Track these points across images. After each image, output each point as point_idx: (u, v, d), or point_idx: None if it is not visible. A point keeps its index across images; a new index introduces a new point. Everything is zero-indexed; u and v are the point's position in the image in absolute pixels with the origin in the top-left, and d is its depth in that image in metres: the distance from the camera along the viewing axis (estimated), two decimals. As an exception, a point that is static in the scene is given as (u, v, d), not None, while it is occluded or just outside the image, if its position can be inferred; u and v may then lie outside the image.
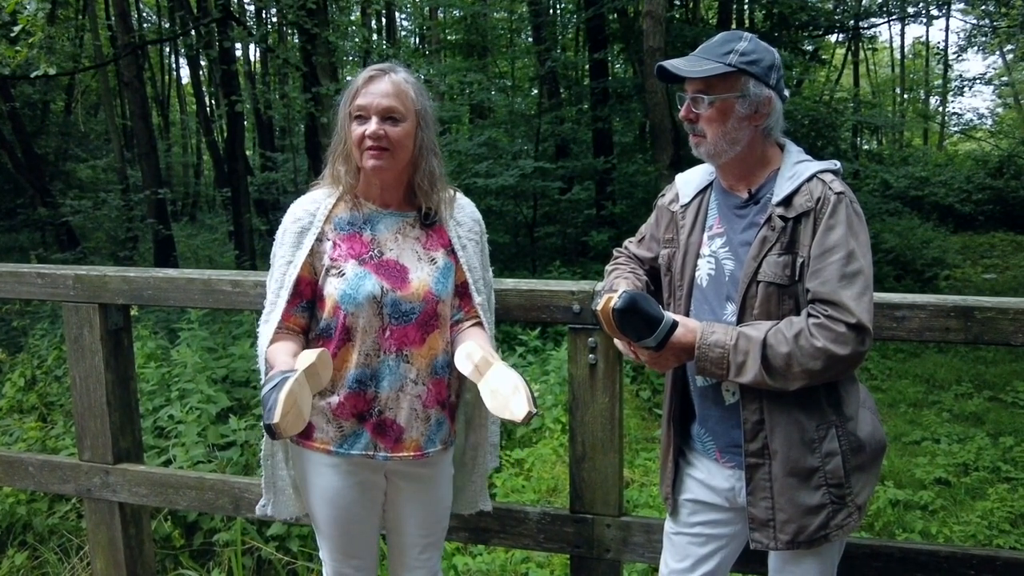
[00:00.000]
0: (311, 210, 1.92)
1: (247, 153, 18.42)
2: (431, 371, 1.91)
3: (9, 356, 5.90)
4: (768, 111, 1.73)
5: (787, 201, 1.69)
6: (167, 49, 23.23)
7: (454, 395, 2.02)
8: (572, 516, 2.22)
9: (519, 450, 4.75)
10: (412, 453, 1.92)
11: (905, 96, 27.26)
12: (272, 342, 1.87)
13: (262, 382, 1.76)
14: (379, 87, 1.84)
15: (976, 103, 54.06)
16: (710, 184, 1.87)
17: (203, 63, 19.81)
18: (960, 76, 23.18)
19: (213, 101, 21.59)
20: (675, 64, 1.74)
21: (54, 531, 3.76)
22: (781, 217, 1.68)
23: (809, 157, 1.78)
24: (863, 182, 16.54)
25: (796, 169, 1.72)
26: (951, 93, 24.01)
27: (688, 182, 1.91)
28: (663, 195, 1.98)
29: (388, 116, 1.83)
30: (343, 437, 1.90)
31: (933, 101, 26.33)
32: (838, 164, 1.75)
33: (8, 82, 11.22)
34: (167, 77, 26.31)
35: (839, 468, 1.70)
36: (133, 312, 5.49)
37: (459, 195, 2.05)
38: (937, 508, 4.78)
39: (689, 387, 1.88)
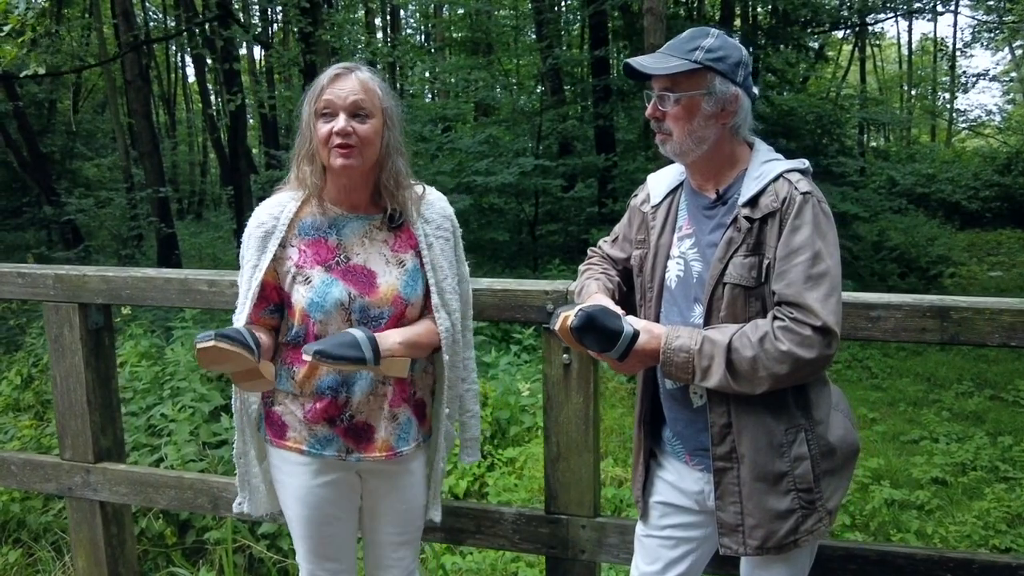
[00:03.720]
0: (275, 214, 1.90)
1: (253, 151, 18.46)
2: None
3: (6, 354, 5.94)
4: (735, 109, 1.71)
5: (753, 201, 1.67)
6: (173, 47, 23.30)
7: (420, 391, 2.00)
8: (547, 517, 2.22)
9: (512, 448, 4.75)
10: (384, 454, 1.92)
11: (912, 93, 27.09)
12: None
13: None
14: (346, 84, 1.82)
15: (984, 99, 53.74)
16: (681, 184, 1.86)
17: (209, 61, 19.87)
18: (964, 72, 23.06)
19: (219, 99, 21.65)
20: (641, 61, 1.72)
21: (48, 529, 3.78)
22: (747, 218, 1.66)
23: (779, 156, 1.76)
24: (869, 179, 16.44)
25: (763, 169, 1.70)
26: (958, 89, 23.86)
27: (659, 182, 1.89)
28: (636, 195, 1.96)
29: (356, 113, 1.81)
30: (315, 439, 1.91)
31: (943, 97, 26.16)
32: (806, 163, 1.73)
33: (13, 81, 11.26)
34: (173, 75, 26.38)
35: (808, 473, 1.68)
36: (125, 311, 5.53)
37: (429, 191, 2.01)
38: (933, 508, 4.74)
39: (660, 389, 1.86)
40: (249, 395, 1.98)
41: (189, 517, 3.68)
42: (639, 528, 1.94)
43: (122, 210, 13.27)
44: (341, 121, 1.79)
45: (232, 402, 1.99)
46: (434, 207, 2.00)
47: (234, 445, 2.02)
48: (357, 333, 1.76)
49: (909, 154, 20.76)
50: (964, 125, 24.66)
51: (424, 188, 2.00)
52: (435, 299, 1.94)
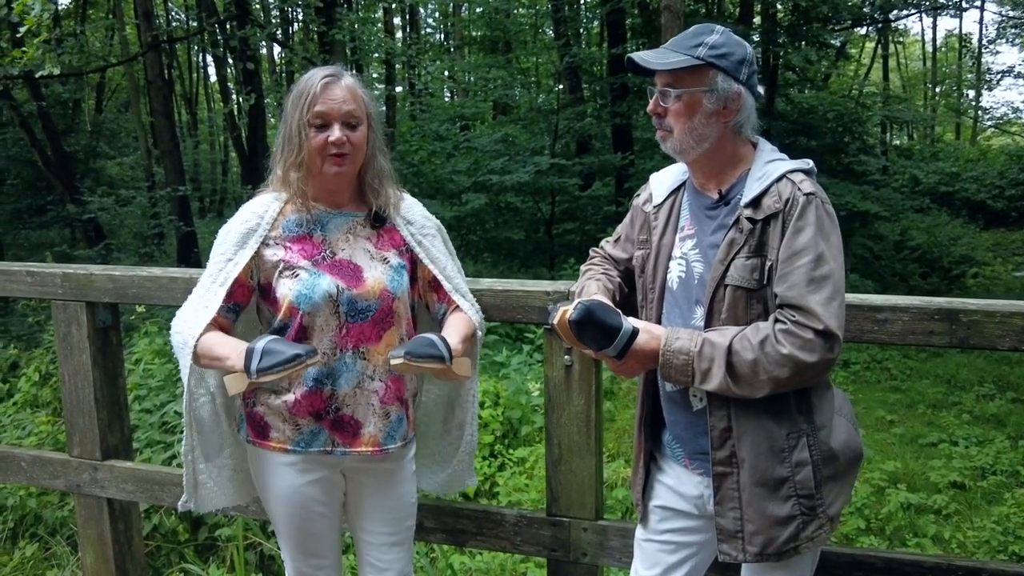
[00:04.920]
0: (259, 212, 1.92)
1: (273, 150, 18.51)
2: (388, 368, 1.90)
3: (25, 351, 6.02)
4: (737, 107, 1.67)
5: (756, 202, 1.64)
6: (195, 47, 23.51)
7: (411, 392, 2.02)
8: (548, 519, 2.20)
9: (523, 448, 4.74)
10: (370, 449, 1.93)
11: (937, 90, 26.70)
12: (203, 333, 1.83)
13: (263, 344, 1.72)
14: (336, 93, 1.84)
15: (1011, 96, 52.83)
16: (684, 184, 1.83)
17: (230, 61, 20.02)
18: (989, 69, 22.71)
19: (243, 99, 21.79)
20: (643, 56, 1.70)
21: (63, 524, 3.82)
22: (749, 219, 1.63)
23: (783, 156, 1.73)
24: (892, 178, 16.25)
25: (766, 169, 1.67)
26: (984, 86, 23.49)
27: (661, 182, 1.87)
28: (638, 195, 1.94)
29: (348, 122, 1.84)
30: (300, 435, 1.91)
31: (968, 94, 25.76)
32: (811, 163, 1.70)
33: (38, 81, 11.42)
34: (195, 75, 26.61)
35: (809, 478, 1.65)
36: (140, 308, 5.57)
37: (406, 195, 2.05)
38: (951, 513, 4.67)
39: (660, 391, 1.84)
40: (196, 390, 1.95)
41: (201, 514, 3.70)
42: (639, 532, 1.92)
43: (143, 208, 13.42)
44: (337, 131, 1.83)
45: (184, 397, 1.95)
46: (414, 210, 2.05)
47: (183, 442, 1.99)
48: (430, 335, 1.80)
49: (933, 152, 20.50)
50: (990, 123, 24.29)
51: (403, 193, 2.04)
52: (447, 285, 1.99)
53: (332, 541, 2.03)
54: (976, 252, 12.96)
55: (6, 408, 5.11)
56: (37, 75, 5.85)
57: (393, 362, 1.75)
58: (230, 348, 1.78)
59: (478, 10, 16.98)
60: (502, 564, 3.65)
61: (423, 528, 2.31)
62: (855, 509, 4.47)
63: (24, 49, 5.51)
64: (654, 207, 1.84)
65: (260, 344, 1.71)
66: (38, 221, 15.89)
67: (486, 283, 2.19)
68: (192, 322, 1.86)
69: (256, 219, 1.91)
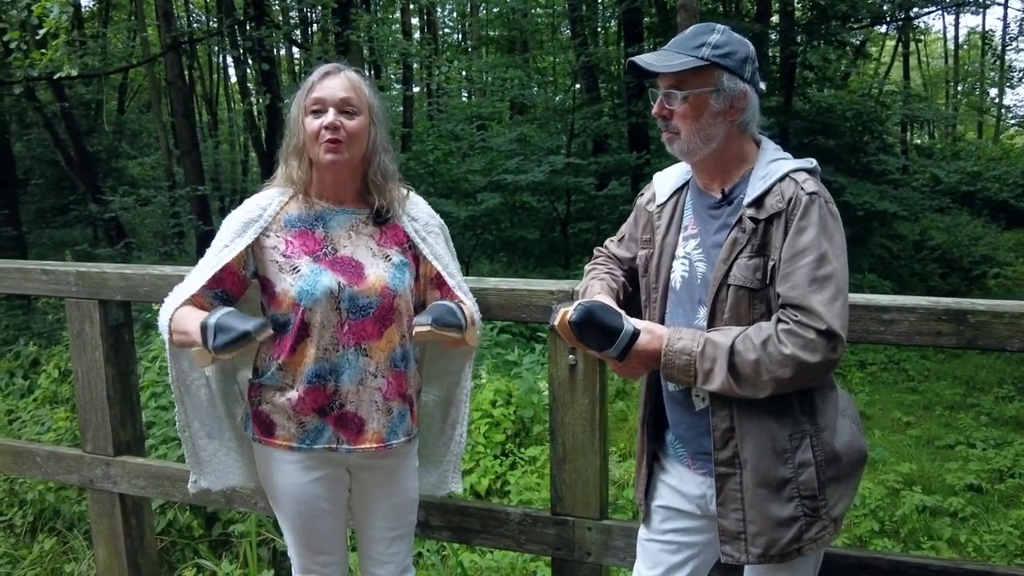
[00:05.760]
0: (263, 204, 1.94)
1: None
2: (390, 364, 1.93)
3: (45, 348, 6.11)
4: (743, 106, 1.67)
5: (759, 202, 1.63)
6: (215, 48, 23.70)
7: (414, 389, 2.04)
8: (553, 518, 2.21)
9: (534, 447, 4.74)
10: (374, 445, 1.94)
11: (959, 88, 26.36)
12: (180, 307, 1.87)
13: (215, 319, 1.75)
14: (334, 82, 1.87)
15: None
16: (687, 183, 1.83)
17: (249, 62, 20.17)
18: (1012, 67, 22.41)
19: (259, 99, 21.92)
20: (646, 59, 1.69)
21: (81, 518, 3.88)
22: (752, 219, 1.63)
23: (787, 155, 1.72)
24: (912, 177, 16.07)
25: (769, 168, 1.66)
26: (1007, 84, 23.18)
27: (665, 181, 1.86)
28: (642, 194, 1.94)
29: (344, 109, 1.85)
30: (305, 433, 1.93)
31: (992, 92, 25.42)
32: (814, 162, 1.69)
33: (61, 83, 11.57)
34: (216, 76, 26.82)
35: (812, 480, 1.64)
36: (156, 307, 5.64)
37: (412, 194, 2.06)
38: (968, 515, 4.61)
39: (663, 391, 1.83)
40: (191, 372, 1.98)
41: (216, 510, 3.74)
42: (641, 532, 1.92)
43: (163, 208, 13.57)
44: (331, 115, 1.84)
45: (169, 371, 1.97)
46: (419, 207, 2.06)
47: (176, 419, 2.01)
48: (448, 303, 1.89)
49: (954, 151, 20.27)
50: (1013, 121, 23.97)
51: (408, 191, 2.05)
52: (451, 282, 2.00)
53: (338, 538, 2.04)
54: (997, 252, 12.80)
55: (27, 404, 5.19)
56: (56, 76, 5.96)
57: (417, 329, 1.81)
58: (191, 322, 1.81)
59: (495, 10, 16.99)
60: (512, 563, 3.66)
61: (428, 525, 2.32)
62: (869, 511, 4.43)
63: (44, 51, 5.61)
64: (657, 206, 1.84)
65: (213, 319, 1.75)
66: (61, 220, 16.11)
67: (492, 282, 2.20)
68: (172, 298, 1.91)
69: (259, 211, 1.93)
